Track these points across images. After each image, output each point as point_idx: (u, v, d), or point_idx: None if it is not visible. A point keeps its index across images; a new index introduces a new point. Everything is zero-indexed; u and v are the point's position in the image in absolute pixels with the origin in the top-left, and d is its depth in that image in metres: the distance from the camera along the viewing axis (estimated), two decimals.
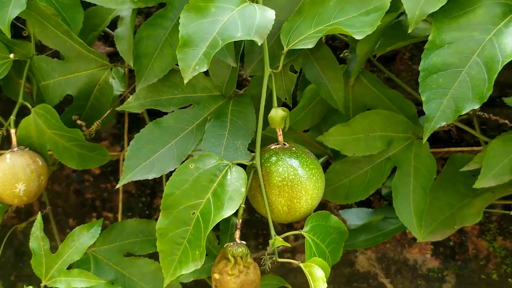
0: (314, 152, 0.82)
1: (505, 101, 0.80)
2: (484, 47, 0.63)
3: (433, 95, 0.64)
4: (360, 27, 0.64)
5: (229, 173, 0.62)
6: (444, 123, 0.63)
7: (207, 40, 0.58)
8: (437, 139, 0.96)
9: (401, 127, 0.76)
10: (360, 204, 0.96)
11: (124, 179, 0.66)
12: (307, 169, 0.65)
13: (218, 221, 0.59)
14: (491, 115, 0.79)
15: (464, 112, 0.62)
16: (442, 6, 0.66)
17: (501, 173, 0.68)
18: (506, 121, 0.78)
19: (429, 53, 0.64)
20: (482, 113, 0.80)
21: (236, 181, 0.60)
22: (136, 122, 1.03)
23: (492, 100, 0.97)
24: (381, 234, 0.85)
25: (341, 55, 0.84)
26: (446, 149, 0.86)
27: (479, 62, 0.63)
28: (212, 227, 0.59)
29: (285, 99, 0.71)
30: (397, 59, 1.00)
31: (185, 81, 0.56)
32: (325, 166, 0.83)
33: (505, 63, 0.60)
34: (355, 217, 0.91)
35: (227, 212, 0.59)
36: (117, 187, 0.66)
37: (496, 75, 0.61)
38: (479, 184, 0.68)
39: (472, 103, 0.62)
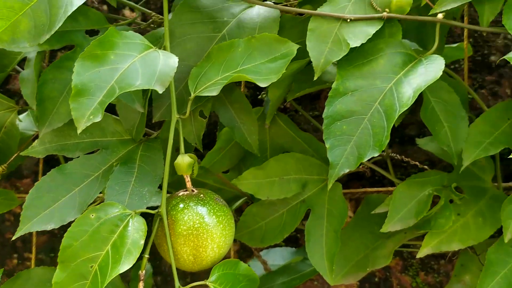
0: (233, 193, 0.82)
1: (418, 142, 0.82)
2: (385, 95, 0.65)
3: (337, 142, 0.64)
4: (266, 74, 0.65)
5: (130, 224, 0.60)
6: (348, 170, 0.64)
7: (104, 89, 0.57)
8: (360, 176, 0.98)
9: (315, 169, 0.77)
10: (288, 241, 0.96)
11: (21, 230, 0.63)
12: (214, 216, 0.64)
13: (115, 275, 0.57)
14: (403, 156, 0.82)
15: (365, 160, 0.63)
16: (347, 54, 0.68)
17: (407, 217, 0.70)
18: (417, 163, 0.80)
19: (333, 100, 0.65)
20: (394, 154, 0.82)
21: (135, 233, 0.59)
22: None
23: (411, 138, 1.00)
24: (299, 277, 0.85)
25: (259, 96, 0.85)
26: (363, 190, 0.87)
27: (380, 110, 0.64)
28: (108, 282, 0.57)
29: (195, 144, 0.70)
30: (321, 98, 1.02)
31: (78, 131, 0.55)
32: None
33: (401, 112, 0.62)
34: (279, 257, 0.91)
35: (124, 267, 0.57)
36: (12, 239, 0.63)
37: (393, 123, 0.62)
38: (385, 228, 0.69)
39: (372, 151, 0.63)
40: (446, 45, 0.85)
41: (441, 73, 0.62)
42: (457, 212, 0.71)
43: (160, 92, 0.59)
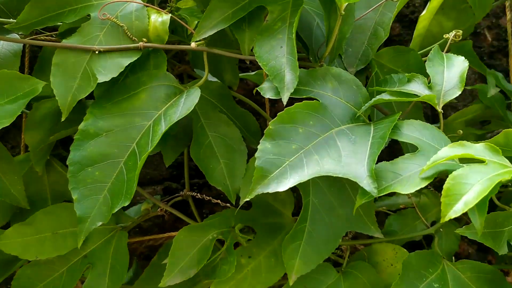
0: None
1: None
2: (143, 134, 0.58)
3: (89, 191, 0.56)
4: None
5: None
6: (100, 223, 0.56)
7: None
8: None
9: None
10: None
11: None
12: None
13: None
14: (204, 195, 0.75)
15: (115, 211, 0.55)
16: (107, 90, 0.60)
17: (188, 267, 0.62)
18: (218, 201, 0.73)
19: (82, 143, 0.57)
20: (195, 193, 0.75)
21: None
22: None
23: None
24: None
25: None
26: (166, 235, 0.79)
27: (136, 152, 0.57)
28: None
29: None
30: None
31: None
32: None
33: (149, 152, 0.55)
34: None
35: None
36: None
37: (142, 167, 0.55)
38: (163, 282, 0.61)
39: (124, 200, 0.55)
40: (245, 73, 0.81)
41: (192, 107, 0.56)
42: (249, 255, 0.65)
43: None
